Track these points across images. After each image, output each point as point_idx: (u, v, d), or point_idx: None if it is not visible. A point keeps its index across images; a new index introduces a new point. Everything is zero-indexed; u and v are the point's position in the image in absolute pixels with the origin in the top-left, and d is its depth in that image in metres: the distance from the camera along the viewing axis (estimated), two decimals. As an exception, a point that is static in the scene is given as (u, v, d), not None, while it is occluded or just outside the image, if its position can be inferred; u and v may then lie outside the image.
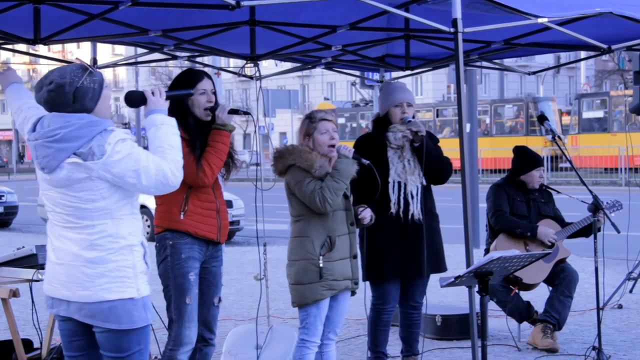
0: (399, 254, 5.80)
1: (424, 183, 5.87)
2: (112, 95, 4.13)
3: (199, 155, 4.81)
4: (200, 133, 4.89)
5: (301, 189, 4.98)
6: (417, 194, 5.82)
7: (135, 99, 4.02)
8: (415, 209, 5.81)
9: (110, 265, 3.66)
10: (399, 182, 5.79)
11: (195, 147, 4.82)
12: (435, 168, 5.86)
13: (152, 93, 3.94)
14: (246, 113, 5.13)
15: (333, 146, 5.09)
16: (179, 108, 4.84)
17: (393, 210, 5.78)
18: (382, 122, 5.94)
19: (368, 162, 5.17)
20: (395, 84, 6.11)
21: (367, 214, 5.24)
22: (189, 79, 4.93)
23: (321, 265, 4.97)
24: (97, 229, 3.66)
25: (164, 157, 3.71)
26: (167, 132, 3.81)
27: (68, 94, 3.63)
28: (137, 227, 3.77)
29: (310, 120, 5.13)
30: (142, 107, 3.99)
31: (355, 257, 5.14)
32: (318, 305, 5.02)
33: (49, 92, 3.65)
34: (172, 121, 3.88)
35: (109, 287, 3.65)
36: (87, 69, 3.70)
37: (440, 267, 5.96)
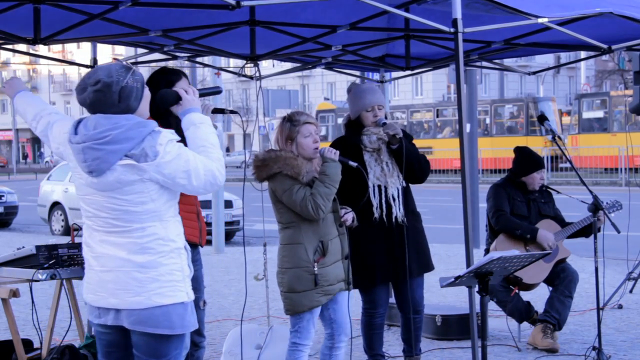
0: (386, 259, 5.72)
1: (404, 184, 5.79)
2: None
3: None
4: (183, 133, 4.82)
5: (291, 197, 4.89)
6: (398, 196, 5.74)
7: (170, 99, 3.97)
8: (399, 212, 5.73)
9: (162, 269, 3.59)
10: (379, 186, 5.72)
11: None
12: (415, 168, 5.76)
13: (186, 92, 3.89)
14: (232, 112, 5.03)
15: (316, 149, 5.01)
16: (159, 108, 4.77)
17: (376, 214, 5.69)
18: (355, 126, 5.83)
19: (356, 164, 5.12)
20: (364, 86, 5.97)
21: (349, 217, 5.17)
22: (167, 79, 4.81)
23: (316, 272, 4.92)
24: (148, 232, 3.58)
25: (208, 156, 3.66)
26: (207, 131, 3.76)
27: (115, 93, 3.55)
28: (181, 230, 3.72)
29: (292, 124, 5.01)
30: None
31: (346, 257, 5.10)
32: (312, 310, 4.98)
33: (95, 92, 3.56)
34: (209, 120, 3.83)
35: (162, 292, 3.57)
36: (130, 68, 3.63)
37: (428, 266, 5.90)
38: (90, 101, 3.59)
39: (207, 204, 14.30)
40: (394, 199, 5.73)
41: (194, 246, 4.94)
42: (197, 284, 4.98)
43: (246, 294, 6.02)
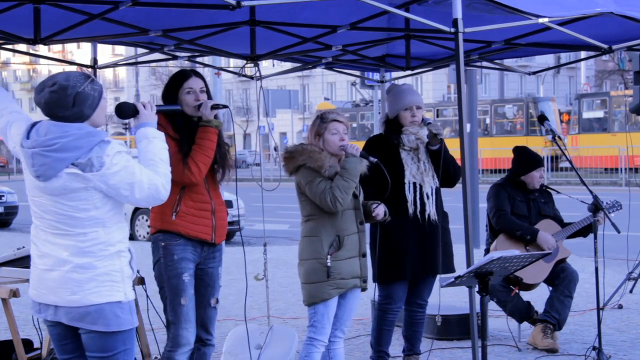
0: (417, 256, 5.82)
1: (438, 185, 5.90)
2: (113, 96, 4.16)
3: (186, 153, 4.78)
4: (189, 132, 4.86)
5: (312, 189, 5.04)
6: (432, 195, 5.87)
7: (128, 111, 4.09)
8: (432, 210, 5.85)
9: (99, 270, 3.73)
10: (414, 183, 5.83)
11: (183, 145, 4.79)
12: (450, 171, 5.90)
13: (144, 106, 4.03)
14: (224, 106, 5.06)
15: (342, 146, 5.13)
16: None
17: (410, 210, 5.80)
18: (393, 124, 5.95)
19: (376, 160, 5.19)
20: (403, 87, 6.09)
21: (380, 210, 5.27)
22: (177, 79, 4.92)
23: (329, 264, 5.02)
24: (89, 237, 3.72)
25: (155, 170, 3.81)
26: (158, 146, 3.90)
27: (69, 96, 3.67)
28: (125, 234, 3.86)
29: (322, 120, 5.19)
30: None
31: (364, 255, 5.17)
32: (326, 304, 5.06)
33: (50, 93, 3.69)
34: (162, 135, 3.97)
35: (98, 291, 3.72)
36: (89, 76, 3.76)
37: (450, 267, 5.98)
38: (44, 101, 3.71)
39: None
40: (428, 197, 5.84)
41: (209, 244, 4.94)
42: (211, 281, 5.03)
43: (246, 294, 6.02)
